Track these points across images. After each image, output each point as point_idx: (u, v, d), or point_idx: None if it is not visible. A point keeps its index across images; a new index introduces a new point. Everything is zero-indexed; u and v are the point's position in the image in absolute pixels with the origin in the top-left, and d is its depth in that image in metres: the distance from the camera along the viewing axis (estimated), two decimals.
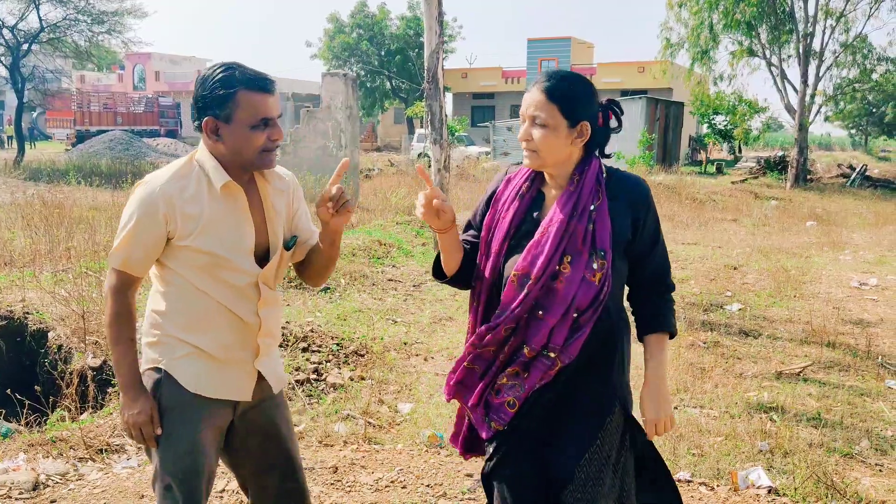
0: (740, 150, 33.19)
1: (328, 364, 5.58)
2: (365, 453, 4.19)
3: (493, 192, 2.38)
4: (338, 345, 5.91)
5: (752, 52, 25.26)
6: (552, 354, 2.13)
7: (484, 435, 2.25)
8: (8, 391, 4.60)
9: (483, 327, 2.24)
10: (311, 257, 2.48)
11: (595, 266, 2.13)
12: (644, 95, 28.24)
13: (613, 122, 2.29)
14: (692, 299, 8.02)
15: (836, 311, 7.58)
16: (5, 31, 25.65)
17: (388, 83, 47.11)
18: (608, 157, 2.31)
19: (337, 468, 3.96)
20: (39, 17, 25.78)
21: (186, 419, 2.26)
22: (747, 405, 5.00)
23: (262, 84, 2.19)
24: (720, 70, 26.88)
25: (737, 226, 14.88)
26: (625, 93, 34.87)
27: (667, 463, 4.06)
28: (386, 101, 48.02)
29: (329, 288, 7.79)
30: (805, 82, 24.53)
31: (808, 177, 25.43)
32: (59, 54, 28.26)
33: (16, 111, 27.37)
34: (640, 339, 2.33)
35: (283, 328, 5.96)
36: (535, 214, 2.25)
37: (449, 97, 43.19)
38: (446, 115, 9.24)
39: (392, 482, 3.83)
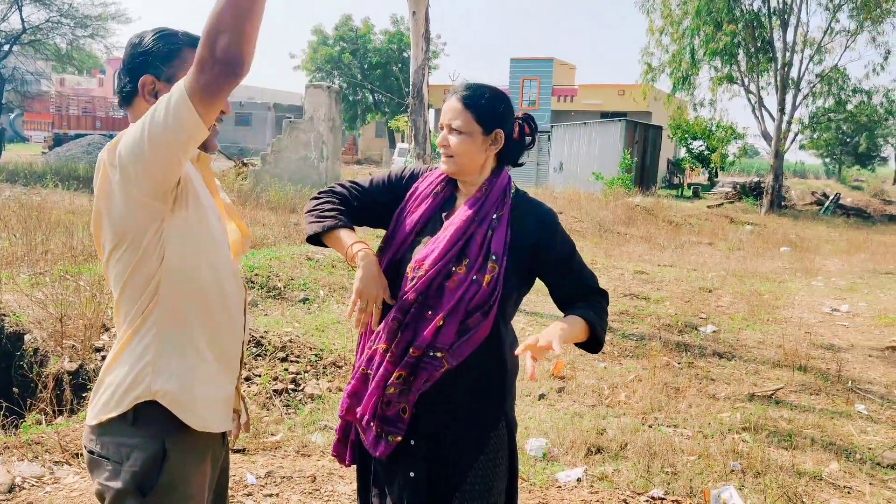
0: (717, 175, 33.63)
1: (306, 374, 5.59)
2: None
3: (413, 176, 2.38)
4: (316, 356, 5.91)
5: (731, 79, 25.65)
6: (438, 354, 2.09)
7: (380, 452, 2.16)
8: None
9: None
10: None
11: (487, 268, 2.12)
12: (624, 118, 28.56)
13: (528, 138, 2.33)
14: (667, 320, 8.12)
15: (808, 336, 7.70)
16: None
17: (370, 96, 47.24)
18: (520, 165, 2.35)
19: (315, 477, 3.97)
20: (22, 19, 25.68)
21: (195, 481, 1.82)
22: (720, 425, 5.08)
23: None
24: (700, 96, 27.26)
25: (712, 249, 15.07)
26: (605, 115, 35.23)
27: (641, 480, 4.13)
28: (368, 114, 48.12)
29: (308, 299, 7.80)
30: (782, 110, 24.96)
31: (783, 203, 25.81)
32: (40, 56, 28.10)
33: None
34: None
35: (262, 338, 5.97)
36: (443, 215, 2.26)
37: (432, 112, 43.30)
38: (430, 131, 9.30)
39: None
